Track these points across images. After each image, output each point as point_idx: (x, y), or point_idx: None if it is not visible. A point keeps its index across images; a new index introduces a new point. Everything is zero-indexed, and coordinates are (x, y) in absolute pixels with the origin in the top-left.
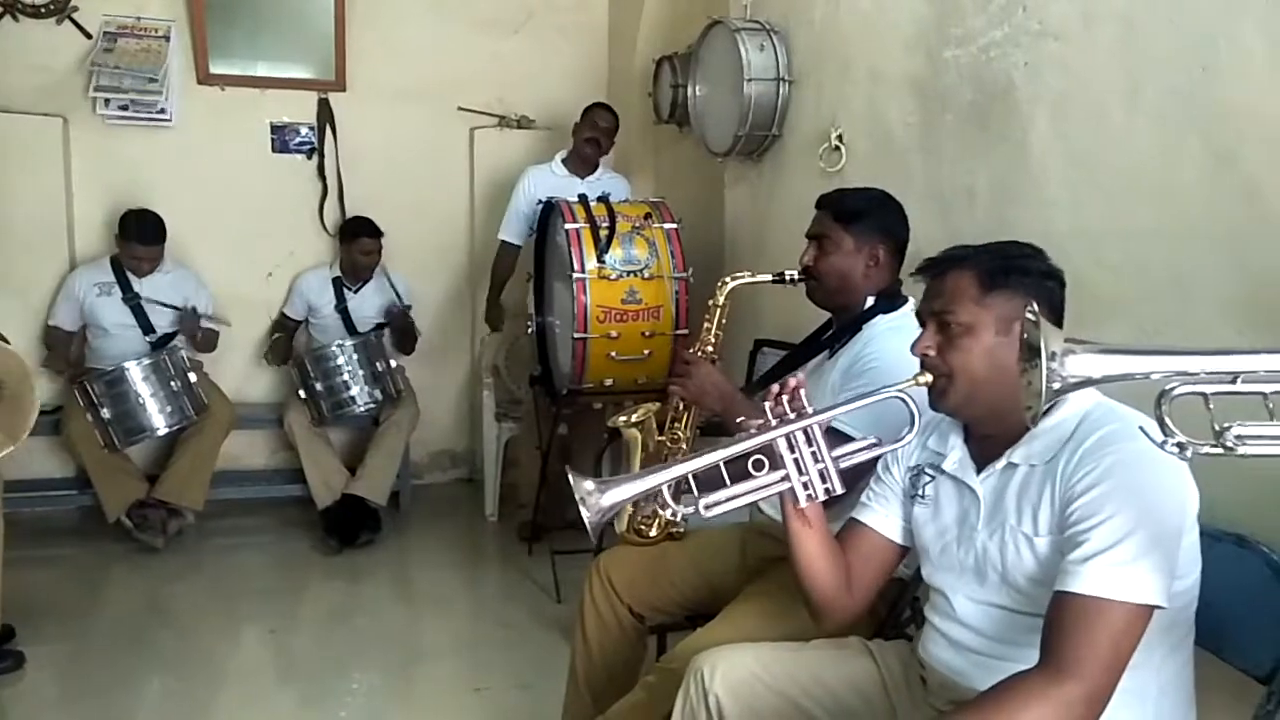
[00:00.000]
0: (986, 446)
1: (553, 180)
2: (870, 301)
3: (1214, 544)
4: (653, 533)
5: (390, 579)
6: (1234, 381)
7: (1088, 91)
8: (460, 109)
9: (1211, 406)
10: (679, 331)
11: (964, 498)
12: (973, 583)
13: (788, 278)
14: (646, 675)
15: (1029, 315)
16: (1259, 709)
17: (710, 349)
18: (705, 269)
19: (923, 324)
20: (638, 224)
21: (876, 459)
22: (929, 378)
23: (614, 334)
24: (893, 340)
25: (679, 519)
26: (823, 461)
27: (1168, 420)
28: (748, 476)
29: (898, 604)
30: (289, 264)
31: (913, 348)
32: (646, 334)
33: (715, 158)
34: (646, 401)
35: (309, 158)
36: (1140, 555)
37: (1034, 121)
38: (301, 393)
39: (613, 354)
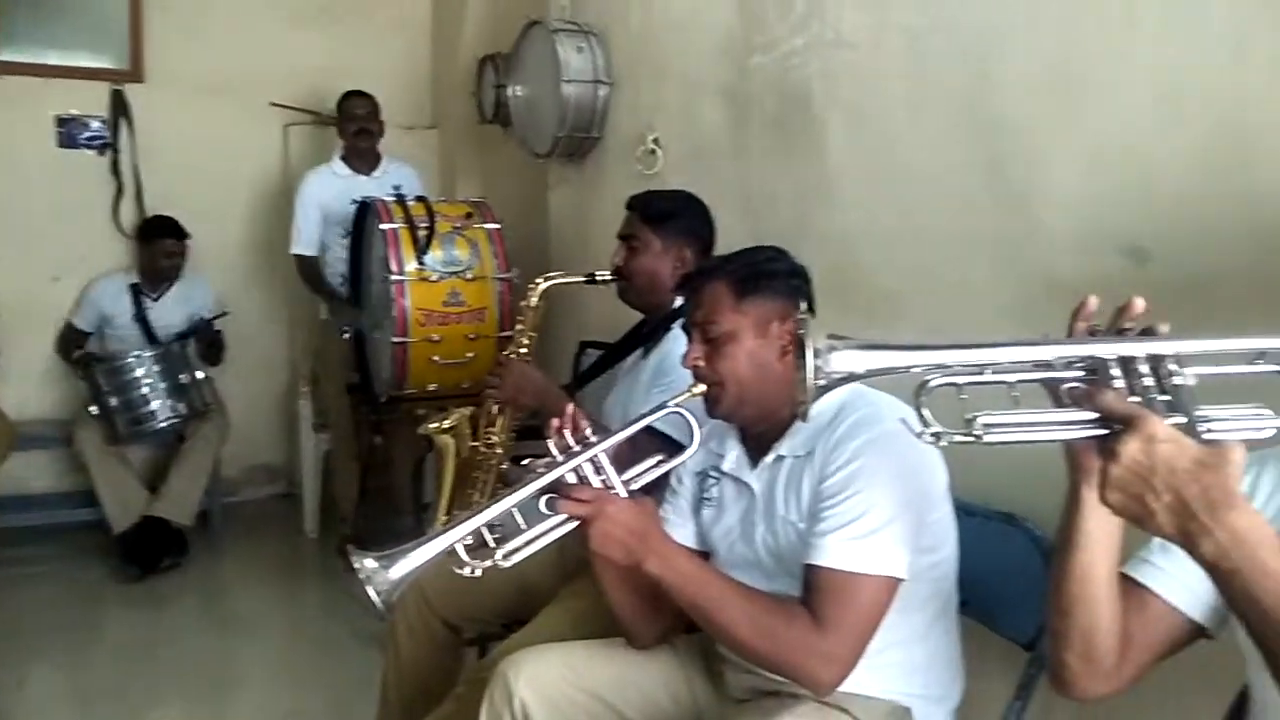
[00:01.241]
0: (760, 443)
1: (336, 182)
2: (679, 301)
3: (986, 522)
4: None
5: (199, 605)
6: (983, 373)
7: (877, 100)
8: (273, 104)
9: (964, 397)
10: (504, 334)
11: (743, 495)
12: (757, 576)
13: (598, 278)
14: (457, 687)
15: (799, 315)
16: (1023, 674)
17: (524, 351)
18: (530, 270)
19: (689, 337)
20: (459, 224)
21: (668, 473)
22: (703, 388)
23: (436, 337)
24: None
25: (478, 574)
26: (614, 488)
27: (925, 412)
28: (543, 515)
29: None
30: (80, 268)
31: (682, 361)
32: (470, 336)
33: (537, 159)
34: (470, 405)
35: (101, 153)
36: (879, 529)
37: (830, 128)
38: (93, 408)
39: (435, 358)
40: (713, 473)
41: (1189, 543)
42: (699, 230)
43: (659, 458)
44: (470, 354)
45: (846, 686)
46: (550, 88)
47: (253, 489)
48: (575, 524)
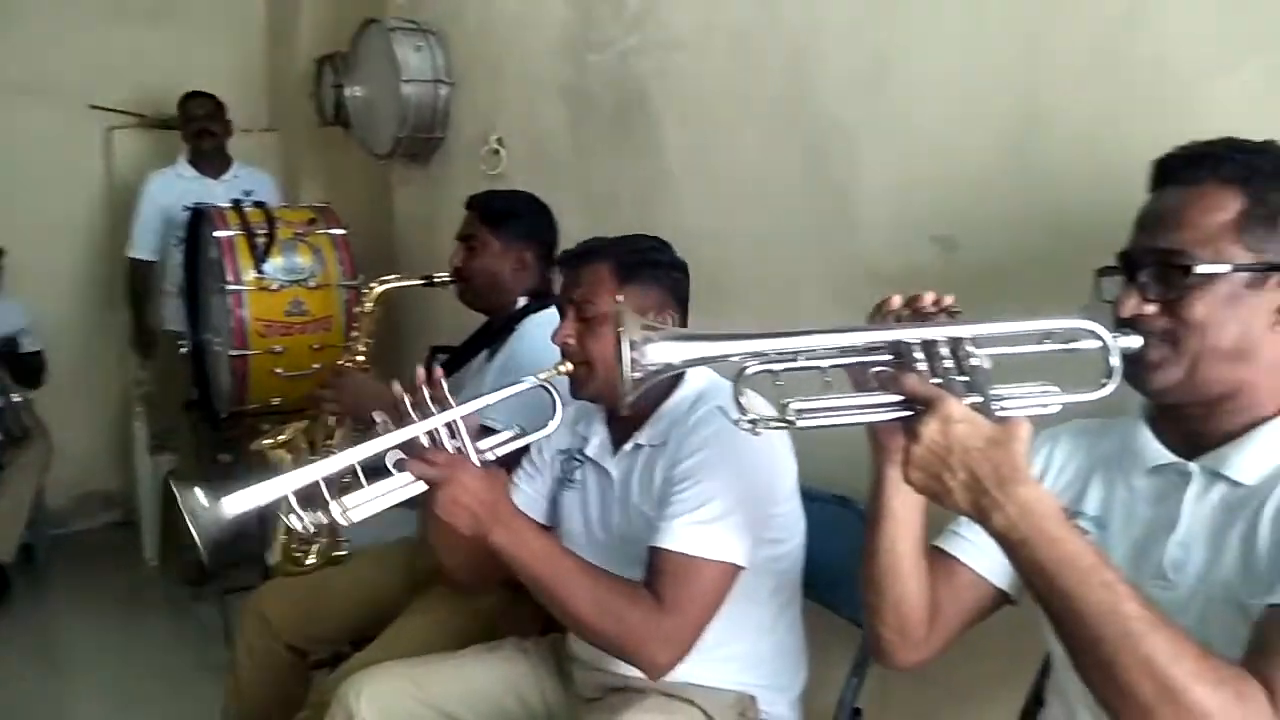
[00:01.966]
0: (623, 429)
1: (181, 184)
2: (522, 302)
3: (823, 506)
4: (311, 560)
5: (26, 646)
6: (796, 359)
7: (708, 99)
8: (93, 107)
9: (780, 383)
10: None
11: (603, 481)
12: (610, 562)
13: (437, 280)
14: (302, 711)
15: (616, 304)
16: (859, 651)
17: (360, 358)
18: (378, 275)
19: (562, 314)
20: (300, 230)
21: (524, 449)
22: (569, 366)
23: (278, 348)
24: (542, 337)
25: (309, 530)
26: (467, 456)
27: (742, 399)
28: (390, 475)
29: None
30: None
31: (553, 336)
32: (315, 347)
33: (379, 160)
34: (306, 417)
35: None
36: (722, 517)
37: (665, 127)
38: None
39: (278, 370)
40: (577, 455)
41: (982, 516)
42: (539, 230)
43: (517, 429)
44: (316, 365)
45: (692, 678)
46: (389, 88)
47: (85, 518)
48: (422, 488)
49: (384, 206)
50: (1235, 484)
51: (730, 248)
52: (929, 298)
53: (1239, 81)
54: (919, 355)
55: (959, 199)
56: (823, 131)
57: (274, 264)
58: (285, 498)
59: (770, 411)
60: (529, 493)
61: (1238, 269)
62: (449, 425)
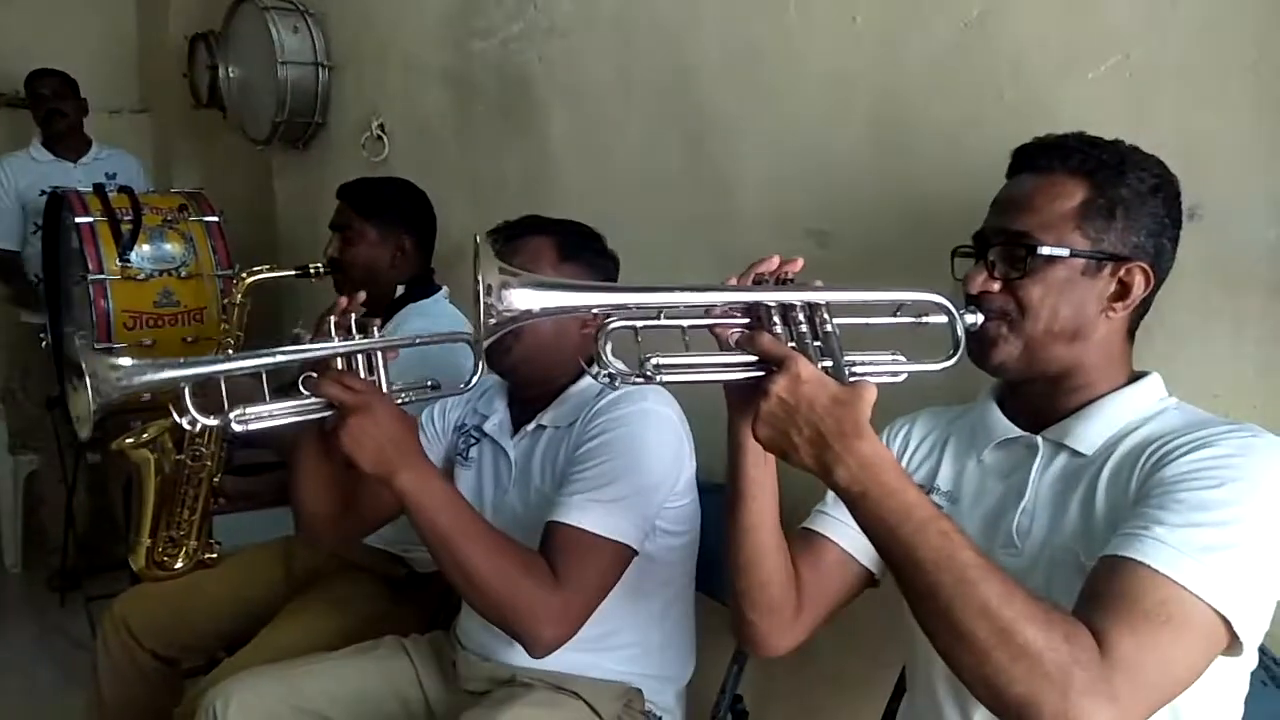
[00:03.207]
0: (526, 409)
1: (37, 168)
2: (400, 290)
3: (708, 496)
4: (179, 564)
5: None
6: (659, 316)
7: (591, 87)
8: None
9: (640, 340)
10: None
11: (499, 460)
12: None
13: (312, 270)
14: None
15: (476, 243)
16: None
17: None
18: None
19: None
20: (170, 217)
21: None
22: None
23: (148, 341)
24: (424, 326)
25: (197, 429)
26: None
27: (604, 353)
28: (296, 395)
29: (450, 592)
30: None
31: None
32: (189, 339)
33: (256, 145)
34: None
35: None
36: (618, 498)
37: (550, 114)
38: None
39: None
40: (474, 432)
41: (825, 471)
42: (417, 217)
43: (432, 380)
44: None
45: (578, 669)
46: (266, 70)
47: None
48: (320, 415)
49: (264, 194)
50: (1076, 454)
51: (615, 237)
52: (800, 263)
53: (1088, 81)
54: (776, 319)
55: (831, 193)
56: (702, 122)
57: (141, 252)
58: (182, 388)
59: (631, 367)
60: (430, 447)
61: (1075, 255)
62: (368, 355)
